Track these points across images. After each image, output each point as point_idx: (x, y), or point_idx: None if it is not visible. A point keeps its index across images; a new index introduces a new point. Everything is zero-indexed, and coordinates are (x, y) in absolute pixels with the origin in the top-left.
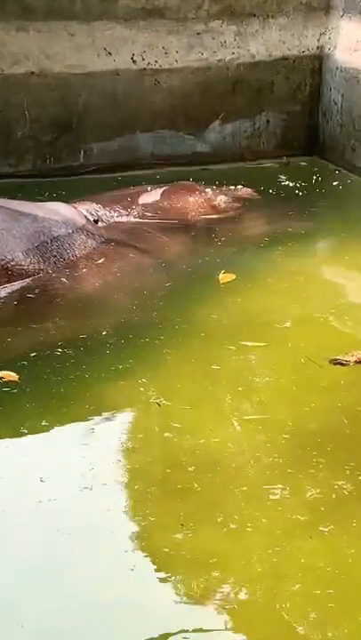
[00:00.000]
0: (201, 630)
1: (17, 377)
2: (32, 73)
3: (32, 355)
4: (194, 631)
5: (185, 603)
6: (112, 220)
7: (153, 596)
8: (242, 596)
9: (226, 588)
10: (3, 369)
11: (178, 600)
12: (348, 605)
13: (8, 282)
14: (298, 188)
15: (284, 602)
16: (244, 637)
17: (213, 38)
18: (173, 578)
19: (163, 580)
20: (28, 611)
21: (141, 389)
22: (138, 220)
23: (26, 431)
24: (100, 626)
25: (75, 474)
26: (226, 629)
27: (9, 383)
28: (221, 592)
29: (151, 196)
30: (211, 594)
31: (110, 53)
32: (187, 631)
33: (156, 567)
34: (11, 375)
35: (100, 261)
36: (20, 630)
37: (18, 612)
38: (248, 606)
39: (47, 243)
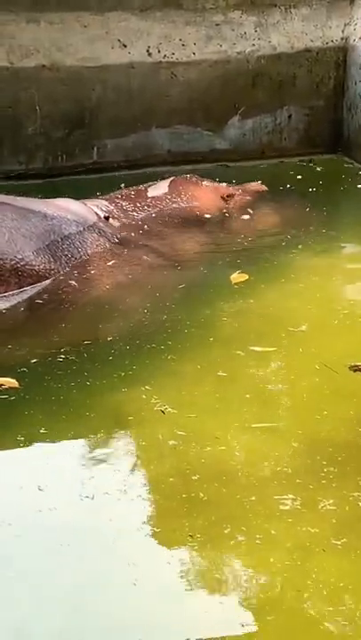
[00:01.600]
0: None
1: (17, 384)
2: (43, 66)
3: (33, 361)
4: None
5: (188, 617)
6: (124, 217)
7: (156, 611)
8: (249, 610)
9: (232, 603)
10: (3, 375)
11: (181, 615)
12: None
13: (18, 283)
14: (319, 186)
15: (295, 617)
16: None
17: (233, 29)
18: (177, 592)
19: (166, 595)
20: (32, 623)
21: (144, 397)
22: (150, 215)
23: (24, 439)
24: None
25: (75, 482)
26: None
27: (9, 390)
28: (228, 606)
29: (161, 189)
30: (217, 608)
31: (125, 45)
32: None
33: (159, 581)
34: (11, 382)
35: (112, 262)
36: None
37: (21, 624)
38: (256, 621)
39: (58, 241)
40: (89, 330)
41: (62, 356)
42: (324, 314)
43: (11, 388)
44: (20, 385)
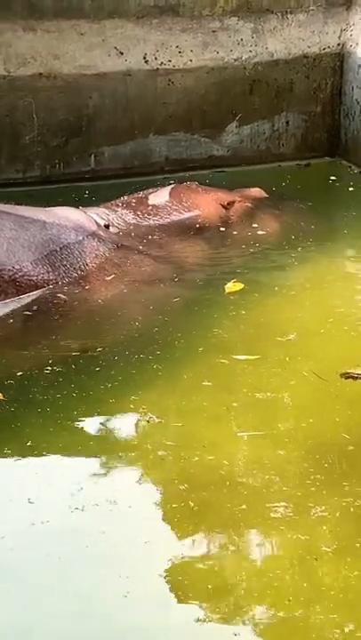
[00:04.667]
0: None
1: (1, 395)
2: (40, 74)
3: (19, 373)
4: None
5: (180, 628)
6: (124, 225)
7: (148, 622)
8: (242, 619)
9: (225, 613)
10: None
11: (173, 625)
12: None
13: (16, 294)
14: (317, 191)
15: (289, 625)
16: None
17: (230, 36)
18: (169, 603)
19: (158, 606)
20: (26, 636)
21: (132, 407)
22: (150, 223)
23: (11, 452)
24: None
25: (65, 495)
26: None
27: None
28: (221, 616)
29: (161, 197)
30: (209, 618)
31: (122, 53)
32: None
33: (151, 593)
34: None
35: (110, 273)
36: None
37: (15, 636)
38: (249, 630)
39: (57, 251)
40: (78, 342)
41: (49, 368)
42: (313, 322)
43: None
44: (4, 397)
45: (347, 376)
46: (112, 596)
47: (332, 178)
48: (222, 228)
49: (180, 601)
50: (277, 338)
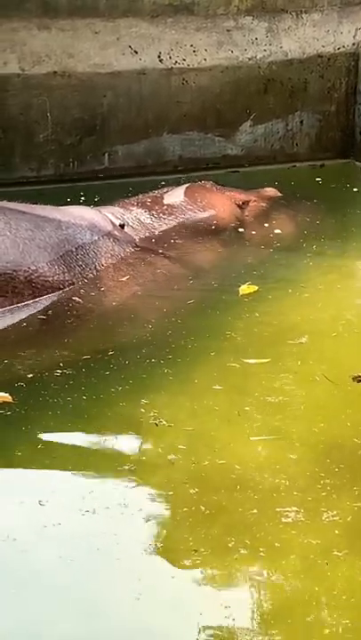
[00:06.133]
0: None
1: (10, 398)
2: (54, 73)
3: (30, 376)
4: None
5: (193, 631)
6: (139, 225)
7: (160, 625)
8: (254, 623)
9: (238, 616)
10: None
11: (185, 628)
12: None
13: (32, 295)
14: (331, 192)
15: (300, 629)
16: None
17: (244, 35)
18: (182, 606)
19: (170, 609)
20: (37, 637)
21: (142, 411)
22: (165, 223)
23: (22, 454)
24: None
25: (76, 497)
26: None
27: (3, 405)
28: (233, 619)
29: (176, 196)
30: (222, 621)
31: (136, 52)
32: None
33: (163, 596)
34: (5, 397)
35: (126, 277)
36: None
37: (26, 637)
38: (261, 633)
39: (72, 251)
40: (90, 344)
41: (60, 371)
42: (326, 325)
43: (5, 402)
44: (15, 400)
45: (359, 379)
46: (124, 599)
47: (347, 179)
48: (237, 228)
49: (191, 604)
50: (290, 341)
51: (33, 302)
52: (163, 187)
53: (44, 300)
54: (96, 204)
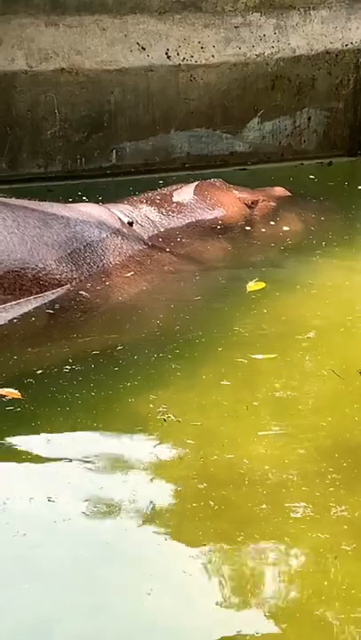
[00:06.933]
0: None
1: (19, 394)
2: (62, 70)
3: (39, 372)
4: None
5: (204, 625)
6: (147, 223)
7: (171, 620)
8: (264, 617)
9: (248, 610)
10: (7, 386)
11: (197, 622)
12: None
13: (39, 292)
14: (339, 189)
15: (310, 623)
16: None
17: (252, 32)
18: (193, 600)
19: (180, 604)
20: (49, 631)
21: (151, 406)
22: (174, 221)
23: (31, 450)
24: None
25: (85, 493)
26: None
27: (12, 401)
28: (243, 613)
29: (185, 194)
30: (232, 615)
31: (144, 48)
32: None
33: (173, 590)
34: (13, 392)
35: (132, 271)
36: None
37: (39, 630)
38: (271, 626)
39: (80, 249)
40: (99, 340)
41: (68, 367)
42: (333, 321)
43: (13, 398)
44: (23, 396)
45: None
46: (135, 594)
47: (355, 176)
48: (246, 227)
49: (201, 599)
50: (297, 336)
51: (41, 298)
52: (170, 184)
53: (52, 296)
54: (104, 201)
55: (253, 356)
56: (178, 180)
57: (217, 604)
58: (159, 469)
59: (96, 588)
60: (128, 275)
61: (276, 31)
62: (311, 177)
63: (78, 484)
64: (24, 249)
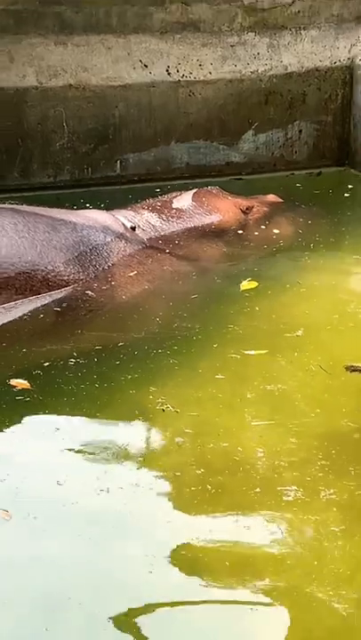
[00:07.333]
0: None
1: (28, 385)
2: (70, 85)
3: (46, 364)
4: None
5: (201, 599)
6: (149, 227)
7: (171, 596)
8: (258, 592)
9: (243, 586)
10: (17, 377)
11: (195, 597)
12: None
13: (48, 291)
14: (328, 197)
15: (302, 598)
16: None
17: (247, 50)
18: (190, 578)
19: (180, 580)
20: (59, 602)
21: (150, 397)
22: (173, 225)
23: (40, 437)
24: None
25: (91, 477)
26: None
27: (22, 391)
28: (239, 588)
29: (184, 201)
30: (228, 590)
31: (146, 66)
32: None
33: (174, 568)
34: (23, 383)
35: (135, 272)
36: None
37: (50, 602)
38: (264, 602)
39: (86, 252)
40: (102, 336)
41: (74, 360)
42: (321, 318)
43: (23, 389)
44: (32, 386)
45: (352, 369)
46: (138, 571)
47: (343, 185)
48: (240, 231)
49: (200, 576)
50: (287, 334)
51: (50, 297)
52: (170, 192)
53: (60, 295)
54: (108, 208)
55: (246, 352)
56: (177, 189)
57: (214, 579)
58: (159, 456)
59: (101, 567)
60: (131, 275)
61: (270, 50)
62: (298, 185)
63: (84, 468)
64: (34, 252)
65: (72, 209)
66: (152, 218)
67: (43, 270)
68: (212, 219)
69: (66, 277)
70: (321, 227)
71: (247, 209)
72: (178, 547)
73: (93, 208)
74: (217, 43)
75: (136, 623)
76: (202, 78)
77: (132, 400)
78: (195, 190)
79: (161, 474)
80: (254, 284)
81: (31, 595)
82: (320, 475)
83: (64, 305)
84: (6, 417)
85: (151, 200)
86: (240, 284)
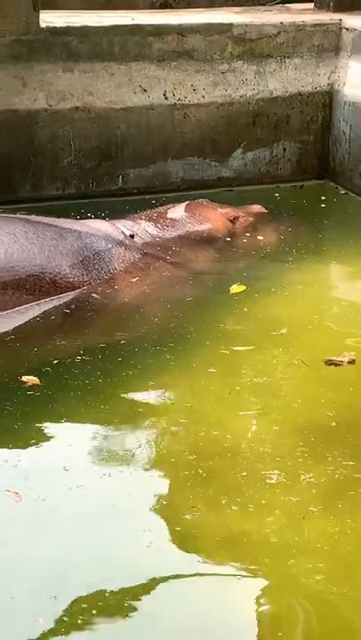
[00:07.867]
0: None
1: (38, 381)
2: (77, 108)
3: (55, 362)
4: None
5: (194, 571)
6: (146, 235)
7: (168, 569)
8: (244, 566)
9: (231, 560)
10: (28, 374)
11: (188, 569)
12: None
13: (56, 293)
14: (309, 208)
15: (282, 572)
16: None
17: (236, 77)
18: (183, 553)
19: (175, 555)
20: (67, 576)
21: (149, 390)
22: (168, 234)
23: (48, 428)
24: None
25: (94, 464)
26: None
27: (32, 387)
28: (227, 562)
29: (178, 212)
30: (217, 564)
31: (145, 90)
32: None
33: (170, 544)
34: (33, 379)
35: (136, 279)
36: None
37: (58, 576)
38: (249, 576)
39: (90, 257)
40: (106, 335)
41: (80, 357)
42: (303, 318)
43: (34, 384)
44: (42, 382)
45: (330, 363)
46: (137, 547)
47: (323, 197)
48: (229, 239)
49: (193, 551)
50: (272, 332)
51: (57, 299)
52: (166, 203)
53: (67, 297)
54: (110, 218)
55: (235, 348)
56: (174, 201)
57: (205, 555)
58: (156, 443)
59: (103, 543)
60: (132, 280)
61: (257, 76)
62: (285, 197)
63: (88, 455)
64: (43, 256)
65: (77, 219)
66: (149, 227)
67: (50, 273)
68: (203, 228)
69: (71, 279)
70: (301, 234)
71: (235, 218)
72: (173, 524)
73: (97, 218)
74: (209, 70)
75: (135, 590)
76: (195, 102)
77: (132, 393)
78: (187, 202)
79: (158, 459)
80: (243, 288)
81: (42, 567)
82: (300, 460)
83: (72, 307)
84: (18, 410)
85: (148, 211)
86: (230, 287)
